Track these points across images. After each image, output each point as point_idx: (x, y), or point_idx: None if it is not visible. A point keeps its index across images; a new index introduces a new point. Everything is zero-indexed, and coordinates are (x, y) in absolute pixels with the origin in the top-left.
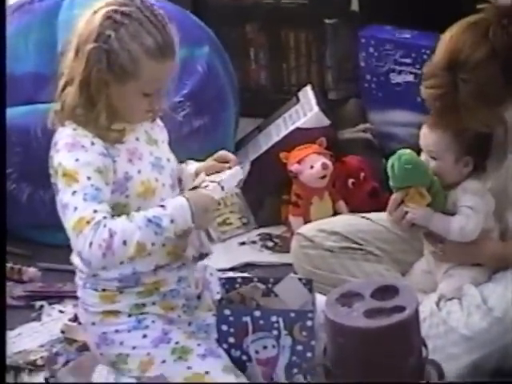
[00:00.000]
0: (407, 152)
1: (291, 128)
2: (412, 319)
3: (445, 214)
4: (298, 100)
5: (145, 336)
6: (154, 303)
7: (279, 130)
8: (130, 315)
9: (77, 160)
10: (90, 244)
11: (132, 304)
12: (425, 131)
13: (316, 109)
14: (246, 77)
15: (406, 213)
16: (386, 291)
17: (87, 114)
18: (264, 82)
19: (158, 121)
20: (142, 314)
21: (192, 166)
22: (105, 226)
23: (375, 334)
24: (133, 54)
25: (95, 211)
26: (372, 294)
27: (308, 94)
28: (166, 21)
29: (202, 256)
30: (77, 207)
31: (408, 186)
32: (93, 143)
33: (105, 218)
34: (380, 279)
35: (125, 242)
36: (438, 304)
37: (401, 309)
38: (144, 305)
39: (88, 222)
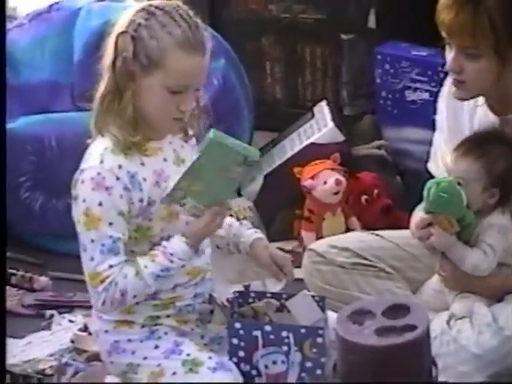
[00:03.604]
0: (447, 180)
1: (305, 143)
2: (423, 338)
3: (466, 246)
4: (312, 115)
5: (157, 347)
6: (168, 316)
7: (293, 144)
8: (143, 326)
9: (100, 204)
10: (103, 302)
11: (147, 316)
12: (455, 158)
13: (331, 124)
14: (261, 90)
15: (431, 235)
16: (398, 309)
17: (114, 106)
18: (279, 96)
19: (193, 141)
20: (155, 325)
21: (248, 235)
22: (116, 284)
23: (386, 353)
24: (160, 43)
25: (111, 266)
26: (383, 312)
27: (323, 110)
28: (199, 21)
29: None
30: (93, 258)
31: (439, 212)
32: (118, 178)
33: (120, 270)
34: (391, 298)
35: (135, 296)
36: (448, 323)
37: (412, 327)
38: (158, 317)
39: (102, 282)
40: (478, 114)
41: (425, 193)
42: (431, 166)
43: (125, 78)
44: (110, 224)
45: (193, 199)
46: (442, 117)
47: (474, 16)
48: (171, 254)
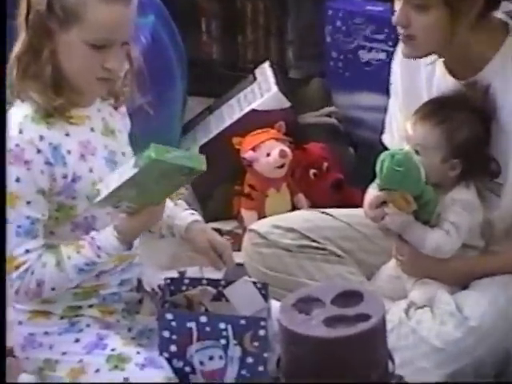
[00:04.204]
0: (403, 152)
1: (246, 110)
2: (378, 329)
3: (425, 225)
4: (254, 78)
5: (77, 340)
6: (90, 306)
7: (232, 111)
8: (62, 317)
9: (17, 180)
10: (17, 291)
11: (66, 305)
12: (413, 123)
13: (274, 89)
14: (195, 50)
15: (386, 214)
16: (349, 297)
17: (31, 67)
18: (216, 56)
19: (123, 108)
20: (76, 316)
21: (184, 218)
22: (32, 273)
23: (335, 345)
24: None
25: (27, 251)
26: (333, 299)
27: (266, 72)
28: None
29: None
30: (11, 240)
31: (394, 188)
32: (39, 150)
33: (38, 257)
34: (342, 283)
35: (54, 289)
36: (407, 312)
37: (365, 317)
38: (79, 307)
39: (17, 268)
40: (437, 76)
41: (377, 167)
42: (386, 138)
43: (40, 34)
44: (28, 203)
45: (129, 202)
46: (396, 80)
47: None
48: (99, 248)
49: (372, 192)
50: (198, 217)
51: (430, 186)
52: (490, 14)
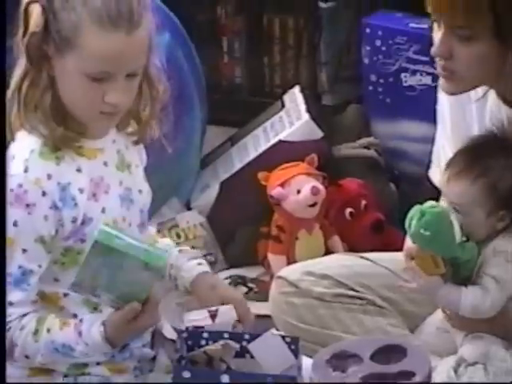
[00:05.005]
0: (434, 211)
1: (273, 141)
2: None
3: (456, 285)
4: (282, 105)
5: None
6: (98, 363)
7: (258, 142)
8: (66, 375)
9: (15, 224)
10: None
11: (70, 363)
12: (445, 179)
13: (306, 117)
14: (216, 73)
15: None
16: (391, 352)
17: (34, 93)
18: (239, 80)
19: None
20: (82, 374)
21: (189, 269)
22: (9, 329)
23: None
24: (73, 16)
25: (10, 304)
26: (372, 355)
27: (296, 98)
28: None
29: None
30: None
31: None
32: (44, 193)
33: (20, 314)
34: (383, 337)
35: (27, 357)
36: (456, 370)
37: (409, 375)
38: (86, 365)
39: None
40: (490, 106)
41: (406, 223)
42: (433, 174)
43: (38, 59)
44: (24, 251)
45: (106, 292)
46: (443, 109)
47: None
48: (80, 334)
49: (407, 241)
50: (206, 267)
51: (472, 243)
52: None
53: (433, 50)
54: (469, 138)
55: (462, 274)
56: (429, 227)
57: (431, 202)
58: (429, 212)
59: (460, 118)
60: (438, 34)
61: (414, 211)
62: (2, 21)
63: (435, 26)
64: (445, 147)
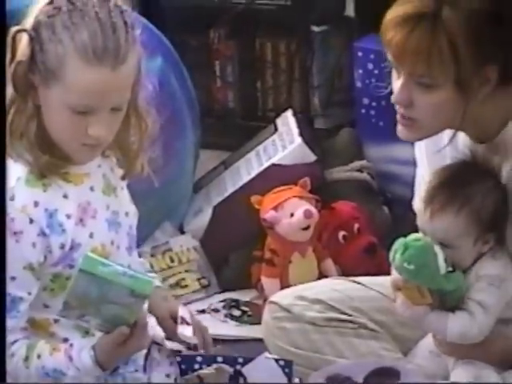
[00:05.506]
0: (417, 245)
1: (266, 164)
2: None
3: (443, 312)
4: (275, 129)
5: None
6: None
7: (251, 166)
8: None
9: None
10: None
11: None
12: (428, 216)
13: (298, 140)
14: (209, 97)
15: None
16: (384, 375)
17: (20, 121)
18: (232, 104)
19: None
20: None
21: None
22: None
23: None
24: (59, 48)
25: None
26: (366, 378)
27: (289, 122)
28: (123, 24)
29: None
30: None
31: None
32: (31, 221)
33: (10, 341)
34: (376, 360)
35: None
36: None
37: None
38: None
39: None
40: (462, 141)
41: (390, 255)
42: (416, 204)
43: (23, 87)
44: (13, 279)
45: (94, 317)
46: (419, 149)
47: (431, 36)
48: (70, 359)
49: (393, 272)
50: (157, 282)
51: (458, 273)
52: (506, 85)
53: (393, 98)
54: (442, 169)
55: (450, 303)
56: (412, 261)
57: (415, 235)
58: (412, 246)
59: (434, 154)
60: (397, 82)
61: (398, 245)
62: (2, 21)
63: (394, 72)
64: (424, 177)
